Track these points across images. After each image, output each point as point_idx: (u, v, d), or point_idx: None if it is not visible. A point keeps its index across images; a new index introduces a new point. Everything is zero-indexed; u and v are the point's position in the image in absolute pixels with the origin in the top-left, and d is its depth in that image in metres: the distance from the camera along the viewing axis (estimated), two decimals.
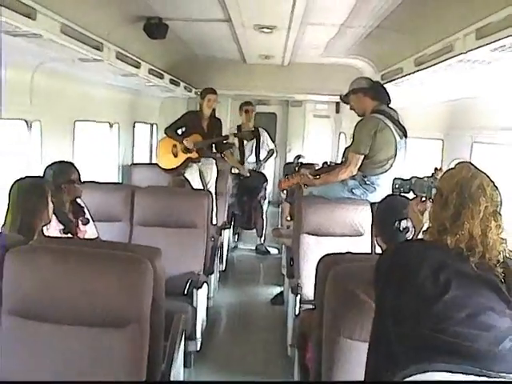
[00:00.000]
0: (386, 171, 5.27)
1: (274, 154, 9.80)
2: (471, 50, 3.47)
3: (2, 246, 2.88)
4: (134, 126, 8.83)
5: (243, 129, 9.11)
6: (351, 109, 5.76)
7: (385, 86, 5.77)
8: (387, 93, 5.54)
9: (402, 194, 3.41)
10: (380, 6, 5.19)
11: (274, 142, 10.25)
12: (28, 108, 5.07)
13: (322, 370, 2.93)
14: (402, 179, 3.48)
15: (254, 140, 9.31)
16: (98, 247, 3.08)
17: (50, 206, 3.77)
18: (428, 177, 3.12)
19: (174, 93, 9.55)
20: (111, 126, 7.83)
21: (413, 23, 5.19)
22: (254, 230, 9.61)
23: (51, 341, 2.77)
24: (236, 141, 9.03)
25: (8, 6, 3.21)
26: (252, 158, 9.38)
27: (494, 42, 3.25)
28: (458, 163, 2.54)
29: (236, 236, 10.02)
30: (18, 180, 3.78)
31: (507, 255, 2.26)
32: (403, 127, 5.40)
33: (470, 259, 2.20)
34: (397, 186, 3.42)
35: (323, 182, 5.60)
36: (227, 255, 8.58)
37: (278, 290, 7.30)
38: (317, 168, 6.71)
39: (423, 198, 3.04)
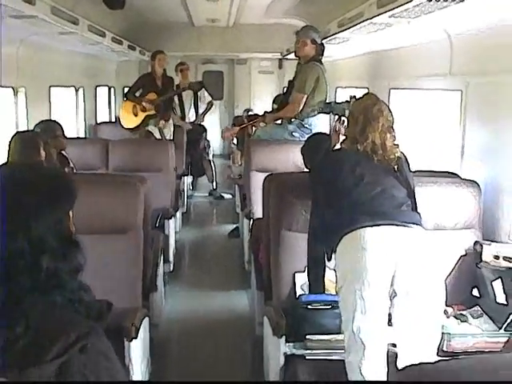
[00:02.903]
0: (317, 114, 6.29)
1: (213, 107, 10.47)
2: (373, 17, 4.50)
3: None
4: (95, 89, 9.70)
5: (181, 86, 9.62)
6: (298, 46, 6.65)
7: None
8: (323, 51, 6.55)
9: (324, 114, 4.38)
10: None
11: (221, 99, 10.94)
12: (14, 77, 5.93)
13: (270, 259, 3.99)
14: (325, 103, 4.55)
15: (192, 95, 9.98)
16: (99, 177, 4.05)
17: (42, 153, 4.53)
18: (343, 102, 4.12)
19: (129, 56, 10.40)
20: (77, 89, 8.69)
21: None
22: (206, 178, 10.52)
23: None
24: (176, 98, 9.72)
25: None
26: (192, 113, 10.04)
27: (395, 8, 4.23)
28: (365, 94, 3.62)
29: (191, 184, 10.92)
30: (16, 133, 4.69)
31: (398, 155, 3.35)
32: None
33: (374, 158, 3.30)
34: (321, 108, 4.50)
35: (272, 119, 6.68)
36: (187, 200, 9.57)
37: (234, 226, 8.24)
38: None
39: (342, 118, 4.04)
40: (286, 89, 7.04)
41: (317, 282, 3.44)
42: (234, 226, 8.21)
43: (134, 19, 9.22)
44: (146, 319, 3.73)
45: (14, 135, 4.59)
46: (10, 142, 4.50)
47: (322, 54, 6.55)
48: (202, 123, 10.20)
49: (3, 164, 3.26)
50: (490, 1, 3.49)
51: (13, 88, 5.97)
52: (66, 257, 1.65)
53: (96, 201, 3.72)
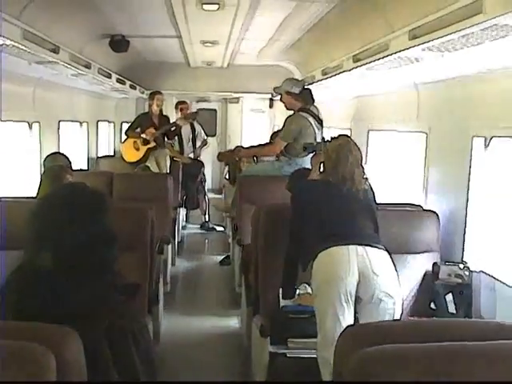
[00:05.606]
0: (306, 155, 6.84)
1: (208, 144, 11.16)
2: (351, 69, 5.21)
3: None
4: (97, 124, 10.36)
5: (179, 124, 10.00)
6: (281, 100, 7.18)
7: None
8: (311, 95, 6.86)
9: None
10: (299, 26, 6.85)
11: (214, 135, 11.72)
12: (31, 112, 6.57)
13: (258, 277, 4.62)
14: (309, 143, 5.21)
15: (191, 132, 10.63)
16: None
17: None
18: (325, 141, 4.72)
19: (128, 94, 11.09)
20: (81, 124, 9.33)
21: (322, 41, 6.89)
22: (199, 210, 11.07)
23: None
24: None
25: (40, 45, 4.76)
26: (189, 148, 10.67)
27: (368, 63, 4.93)
28: (339, 135, 4.24)
29: (184, 216, 11.44)
30: (46, 168, 5.30)
31: (366, 187, 3.98)
32: (321, 120, 6.90)
33: (343, 189, 3.91)
34: (305, 147, 5.15)
35: (254, 153, 7.46)
36: (181, 230, 10.17)
37: (225, 255, 8.81)
38: None
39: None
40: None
41: (289, 288, 4.16)
42: (226, 254, 8.79)
43: (135, 59, 9.89)
44: (151, 325, 4.33)
45: (45, 170, 5.15)
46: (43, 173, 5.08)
47: (312, 98, 6.81)
48: (199, 158, 10.81)
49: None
50: (447, 60, 4.16)
51: (28, 122, 6.59)
52: (111, 249, 2.35)
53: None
